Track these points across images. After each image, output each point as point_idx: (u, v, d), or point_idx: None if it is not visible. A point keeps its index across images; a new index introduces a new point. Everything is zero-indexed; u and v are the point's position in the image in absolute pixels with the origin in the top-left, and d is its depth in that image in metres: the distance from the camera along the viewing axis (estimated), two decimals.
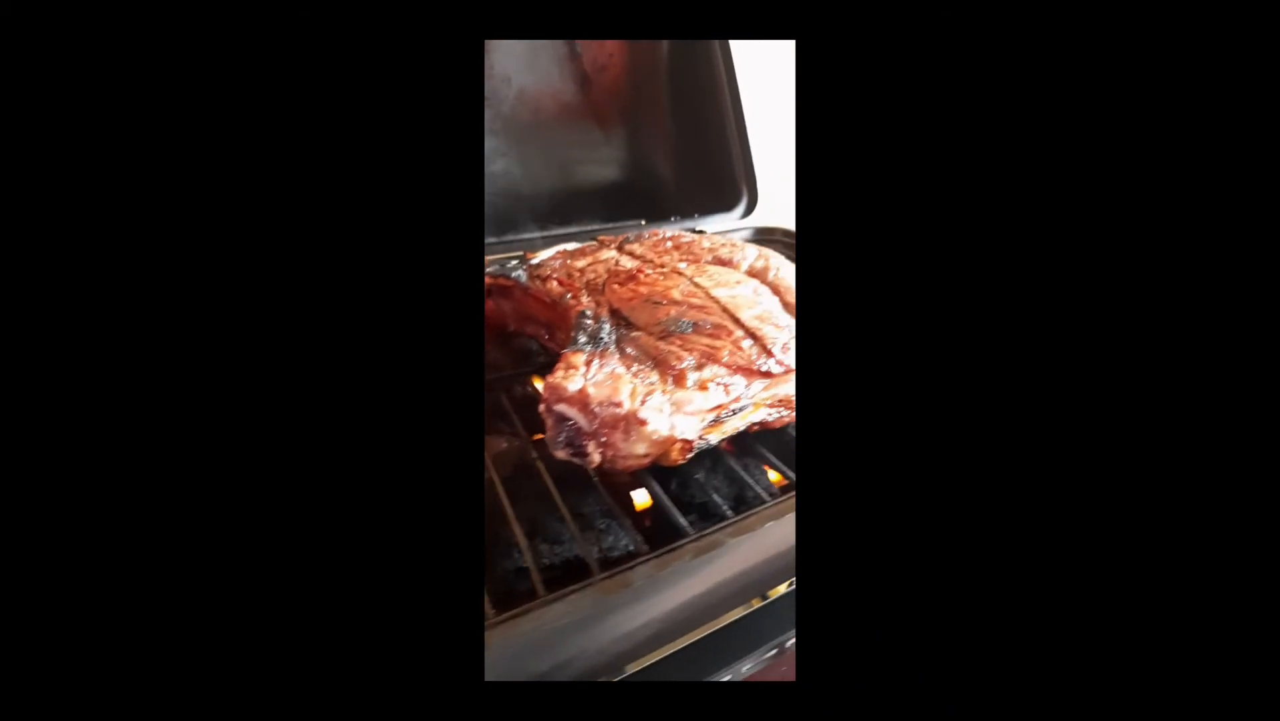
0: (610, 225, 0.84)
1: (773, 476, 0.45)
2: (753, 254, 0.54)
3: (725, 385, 0.39)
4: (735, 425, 0.40)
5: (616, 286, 0.47)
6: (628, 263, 0.52)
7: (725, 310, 0.44)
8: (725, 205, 0.87)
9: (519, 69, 0.82)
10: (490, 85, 0.81)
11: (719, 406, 0.38)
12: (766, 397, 0.41)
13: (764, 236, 0.83)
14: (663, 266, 0.51)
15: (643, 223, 0.85)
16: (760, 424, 0.43)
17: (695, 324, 0.42)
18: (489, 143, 0.82)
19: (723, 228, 0.85)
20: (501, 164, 0.83)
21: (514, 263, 0.54)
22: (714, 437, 0.39)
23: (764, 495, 0.40)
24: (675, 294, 0.45)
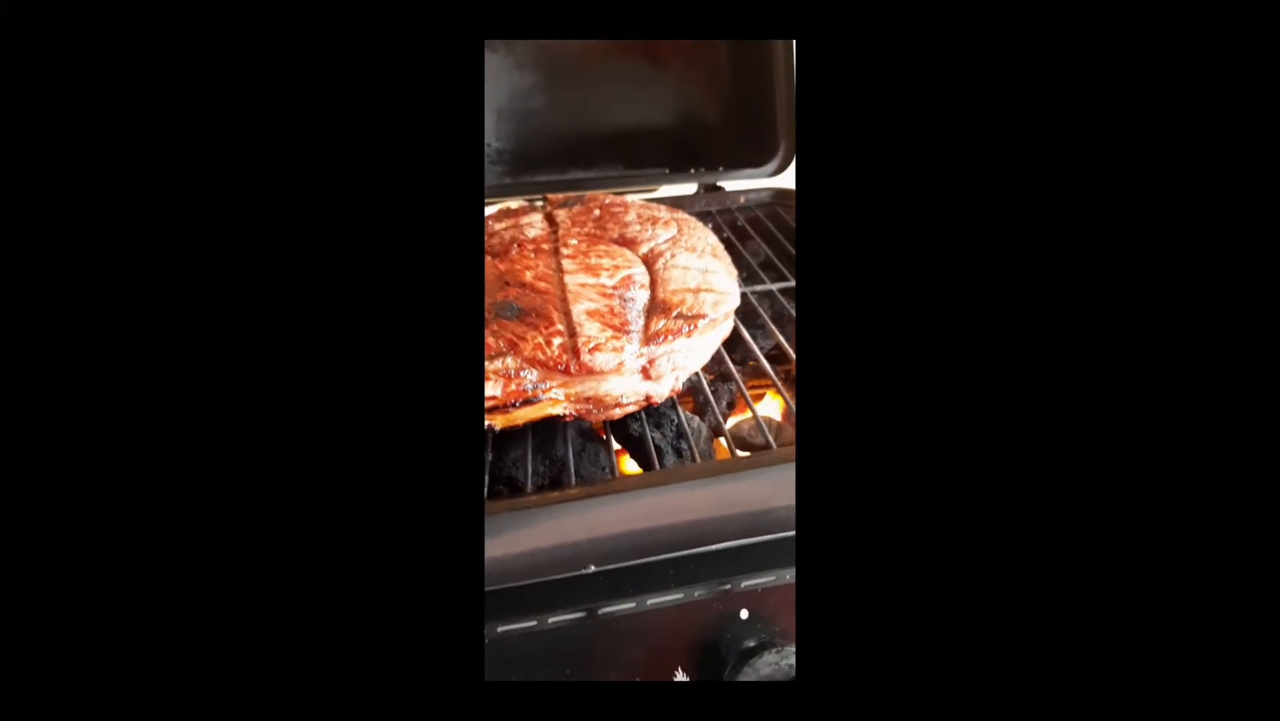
0: (630, 172, 0.83)
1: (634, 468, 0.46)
2: (664, 236, 0.52)
3: (509, 377, 0.40)
4: (527, 415, 0.42)
5: (490, 259, 0.49)
6: (533, 231, 0.53)
7: (563, 299, 0.44)
8: (756, 160, 0.81)
9: None
10: None
11: (491, 398, 0.40)
12: (570, 394, 0.42)
13: (781, 200, 0.77)
14: (553, 241, 0.51)
15: (666, 171, 0.82)
16: (574, 416, 0.44)
17: (523, 310, 0.43)
18: (529, 79, 0.83)
19: (747, 186, 0.80)
20: (540, 101, 0.84)
21: None
22: (497, 425, 0.41)
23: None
24: (528, 275, 0.46)
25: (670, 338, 0.44)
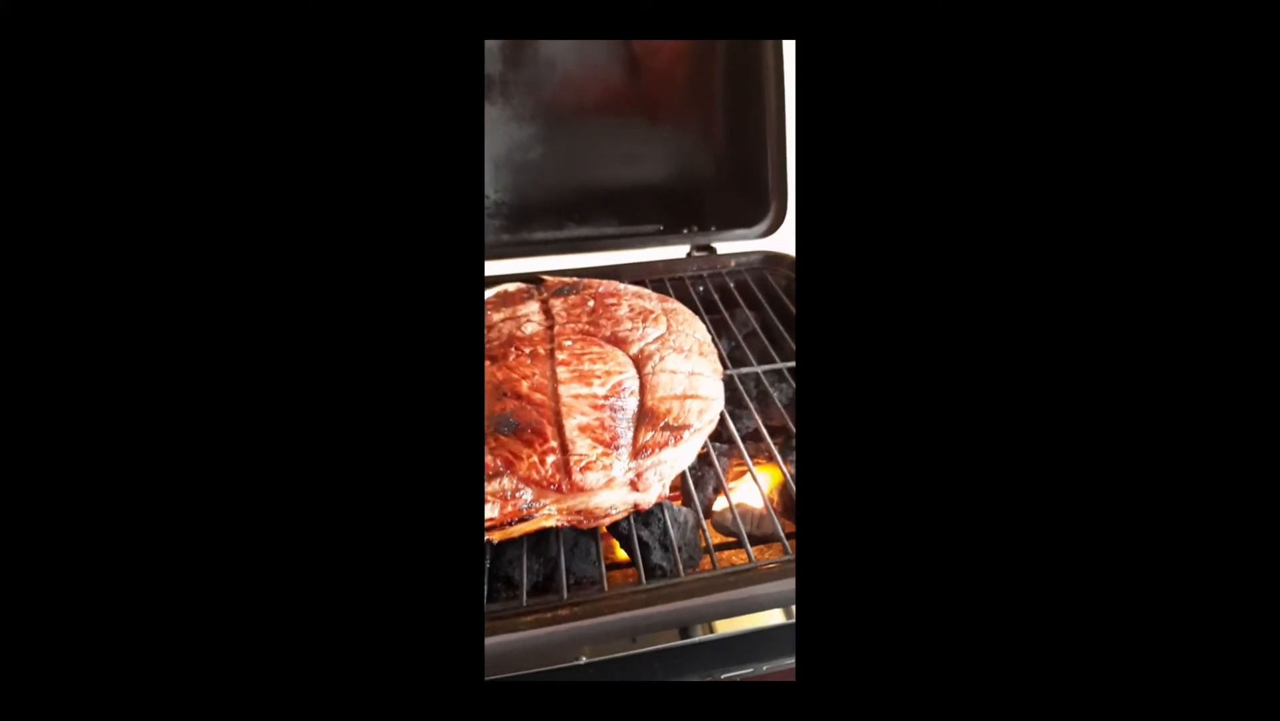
0: (626, 230, 0.85)
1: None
2: (653, 334, 0.55)
3: (505, 499, 0.43)
4: (523, 529, 0.45)
5: (488, 363, 0.52)
6: (531, 327, 0.55)
7: (557, 412, 0.47)
8: (748, 220, 0.83)
9: (565, 52, 0.83)
10: (534, 71, 0.83)
11: (489, 519, 0.43)
12: (562, 508, 0.45)
13: (769, 265, 0.80)
14: (549, 342, 0.54)
15: (660, 229, 0.85)
16: (565, 526, 0.47)
17: (519, 425, 0.46)
18: (527, 130, 0.85)
19: (738, 248, 0.83)
20: (538, 152, 0.86)
21: None
22: (494, 540, 0.45)
23: (563, 590, 0.45)
24: (524, 386, 0.49)
25: (657, 450, 0.47)
